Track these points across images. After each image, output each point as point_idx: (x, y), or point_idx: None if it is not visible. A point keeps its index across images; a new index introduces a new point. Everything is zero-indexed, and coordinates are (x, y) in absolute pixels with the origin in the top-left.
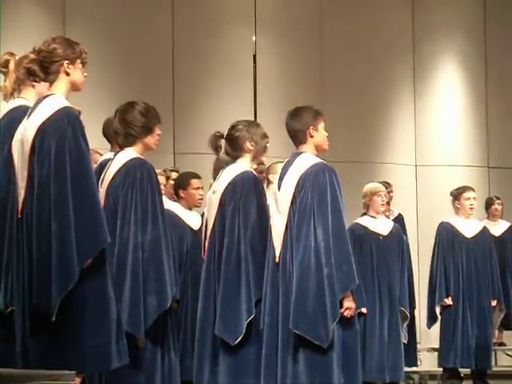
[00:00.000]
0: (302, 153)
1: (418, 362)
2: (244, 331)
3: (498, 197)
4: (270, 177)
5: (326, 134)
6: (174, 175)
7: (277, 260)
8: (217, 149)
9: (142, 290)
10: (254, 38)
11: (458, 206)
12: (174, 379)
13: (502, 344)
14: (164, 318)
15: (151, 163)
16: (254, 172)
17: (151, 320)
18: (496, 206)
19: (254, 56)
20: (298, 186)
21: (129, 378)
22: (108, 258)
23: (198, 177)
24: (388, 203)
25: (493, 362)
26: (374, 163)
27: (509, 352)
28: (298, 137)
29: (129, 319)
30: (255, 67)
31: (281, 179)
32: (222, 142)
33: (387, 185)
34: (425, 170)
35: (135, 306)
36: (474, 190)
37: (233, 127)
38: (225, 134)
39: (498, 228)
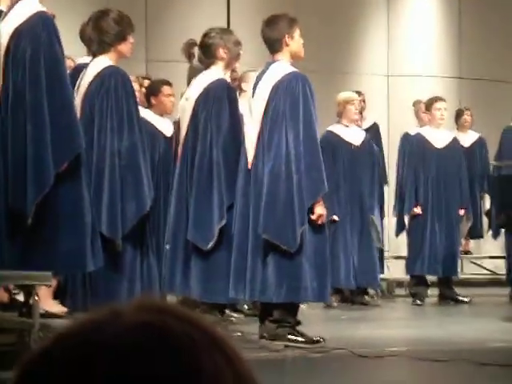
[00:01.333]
0: (277, 61)
1: (386, 270)
2: (216, 236)
3: (468, 108)
4: (243, 85)
5: (302, 42)
6: (147, 83)
7: (249, 167)
8: (190, 56)
9: (120, 196)
10: None
11: (429, 116)
12: (153, 283)
13: (468, 252)
14: (142, 223)
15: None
16: (227, 79)
17: (130, 225)
18: (466, 116)
19: None
20: (272, 94)
21: (111, 283)
22: (83, 163)
23: (169, 84)
24: (361, 112)
25: (459, 270)
26: (346, 73)
27: (474, 260)
28: (273, 45)
29: (107, 224)
30: None
31: (255, 87)
32: (196, 50)
33: (359, 94)
34: (396, 80)
35: (113, 211)
36: (444, 101)
37: (206, 34)
38: (198, 42)
39: (467, 139)
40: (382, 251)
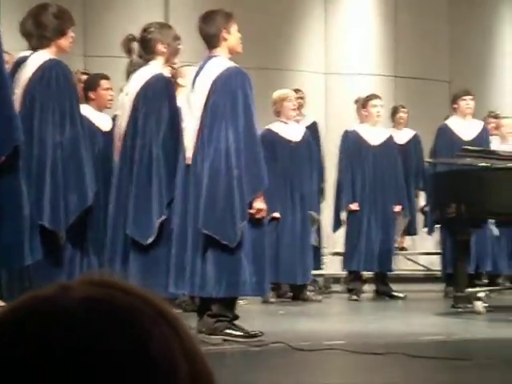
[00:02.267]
0: (215, 56)
1: (323, 266)
2: (156, 232)
3: (404, 106)
4: (179, 80)
5: (239, 36)
6: (85, 78)
7: (188, 162)
8: (129, 51)
9: (62, 188)
10: None
11: (365, 113)
12: None
13: (403, 249)
14: (83, 218)
15: None
16: (167, 74)
17: (73, 217)
18: (401, 114)
19: None
20: (211, 89)
21: (50, 276)
22: (21, 156)
23: (107, 77)
24: (299, 109)
25: (393, 266)
26: (284, 70)
27: (410, 256)
28: (211, 40)
29: (50, 216)
30: None
31: (193, 82)
32: (135, 45)
33: (298, 91)
34: (334, 77)
35: (56, 203)
36: (380, 98)
37: (145, 29)
38: (137, 37)
39: (402, 136)
40: (318, 247)
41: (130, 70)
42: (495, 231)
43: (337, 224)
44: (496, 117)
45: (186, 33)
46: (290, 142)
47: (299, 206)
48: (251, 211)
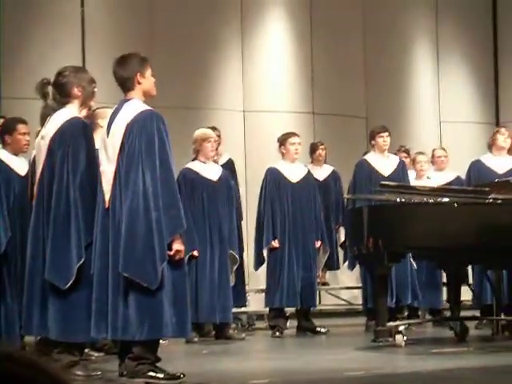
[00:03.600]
0: (130, 99)
1: (247, 303)
2: (75, 275)
3: (322, 142)
4: (100, 121)
5: (154, 80)
6: (1, 121)
7: (106, 205)
8: (44, 95)
9: None
10: None
11: (284, 150)
12: (12, 326)
13: (325, 284)
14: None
15: None
16: (83, 118)
17: None
18: (320, 151)
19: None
20: (126, 132)
21: None
22: None
23: (24, 122)
24: (216, 148)
25: (316, 301)
26: (203, 109)
27: (331, 291)
28: (125, 84)
29: None
30: (83, 11)
31: (109, 126)
32: (50, 89)
33: (214, 129)
34: (252, 115)
35: None
36: (298, 136)
37: (60, 73)
38: (52, 81)
39: (321, 172)
40: (243, 284)
41: (45, 114)
42: (413, 264)
43: (258, 261)
44: (406, 151)
45: (104, 74)
46: (208, 180)
47: (218, 245)
48: (170, 253)
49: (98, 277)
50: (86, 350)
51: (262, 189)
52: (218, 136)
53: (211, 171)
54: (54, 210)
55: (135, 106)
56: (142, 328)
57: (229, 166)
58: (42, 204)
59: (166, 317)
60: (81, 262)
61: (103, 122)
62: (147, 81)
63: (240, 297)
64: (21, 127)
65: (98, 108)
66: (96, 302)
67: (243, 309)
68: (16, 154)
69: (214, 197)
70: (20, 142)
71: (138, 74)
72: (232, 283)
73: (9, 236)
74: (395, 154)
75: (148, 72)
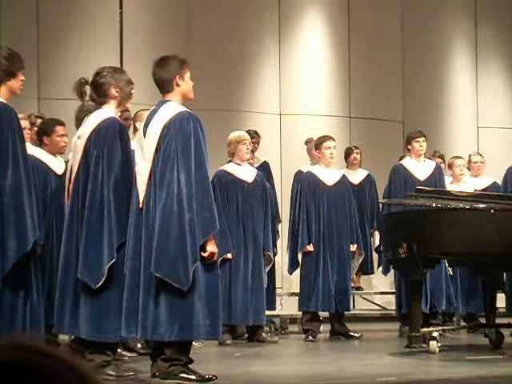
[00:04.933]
0: (167, 101)
1: (279, 307)
2: (105, 275)
3: (357, 146)
4: (137, 124)
5: (192, 84)
6: (39, 121)
7: (140, 206)
8: (81, 95)
9: (0, 234)
10: None
11: (319, 154)
12: (37, 323)
13: (359, 288)
14: (26, 262)
15: (15, 108)
16: (119, 118)
17: (11, 263)
18: (355, 155)
19: (121, 1)
20: (163, 133)
21: None
22: None
23: (62, 124)
24: (252, 151)
25: (351, 306)
26: (239, 111)
27: (365, 296)
28: (164, 86)
29: None
30: (121, 13)
31: (146, 126)
32: (87, 88)
33: (255, 134)
34: (288, 118)
35: None
36: (333, 139)
37: (97, 73)
38: (89, 80)
39: (356, 176)
40: (274, 287)
41: (80, 115)
42: (449, 270)
43: (293, 265)
44: (441, 157)
45: (142, 76)
46: (244, 182)
47: (252, 247)
48: (203, 254)
49: (129, 277)
50: (119, 350)
51: (296, 192)
52: (257, 142)
53: (246, 173)
54: (88, 210)
55: (172, 108)
56: (172, 329)
57: (264, 169)
58: (76, 203)
59: (198, 318)
60: (112, 262)
61: (141, 125)
62: (186, 83)
63: (270, 300)
64: (59, 129)
65: (139, 110)
66: (127, 301)
67: (277, 311)
68: (53, 154)
69: (248, 198)
70: (58, 144)
71: (177, 76)
72: (265, 285)
73: (37, 235)
74: (429, 159)
75: (187, 75)
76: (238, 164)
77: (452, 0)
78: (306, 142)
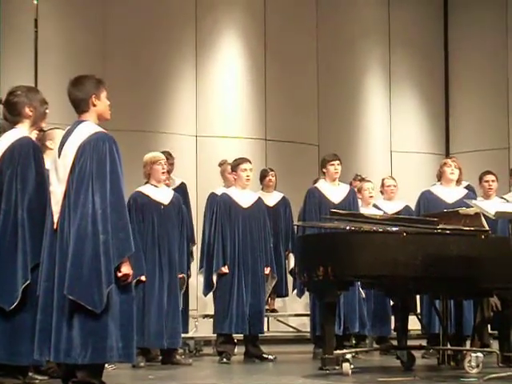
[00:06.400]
0: (83, 121)
1: (193, 329)
2: (19, 297)
3: (272, 169)
4: (48, 143)
5: (108, 103)
6: None
7: (55, 227)
8: None
9: None
10: (35, 2)
11: (235, 176)
12: None
13: (274, 311)
14: None
15: None
16: (33, 138)
17: None
18: (270, 177)
19: (36, 20)
20: (78, 153)
21: None
22: None
23: None
24: (168, 172)
25: (265, 328)
26: (155, 133)
27: (280, 318)
28: (80, 105)
29: None
30: (36, 31)
31: (61, 147)
32: (0, 108)
33: (169, 156)
34: (205, 140)
35: None
36: (250, 162)
37: (11, 92)
38: (3, 100)
39: (271, 199)
40: (187, 310)
41: None
42: (362, 293)
43: (208, 286)
44: (362, 180)
45: (57, 96)
46: (160, 204)
47: (168, 269)
48: (118, 275)
49: (43, 298)
50: (30, 374)
51: (212, 214)
52: (171, 163)
53: (162, 195)
54: (1, 230)
55: (88, 128)
56: (86, 352)
57: (181, 190)
58: None
59: (111, 341)
60: (26, 284)
61: (52, 144)
62: (102, 103)
63: (184, 323)
64: None
65: (49, 129)
66: (40, 323)
67: (191, 333)
68: None
69: (164, 220)
70: None
71: (93, 96)
72: (180, 307)
73: None
74: (351, 182)
75: (103, 94)
76: (155, 186)
77: (366, 24)
78: (220, 165)
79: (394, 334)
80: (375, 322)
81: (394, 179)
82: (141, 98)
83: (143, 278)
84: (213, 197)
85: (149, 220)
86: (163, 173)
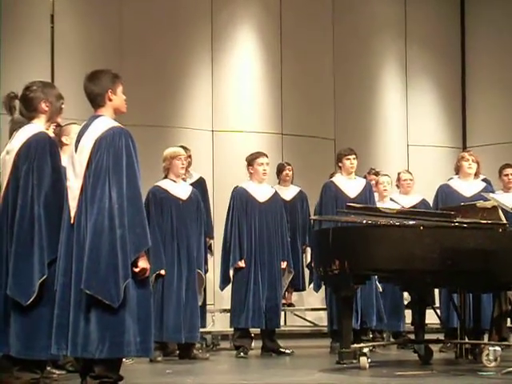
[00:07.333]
0: (99, 116)
1: (210, 323)
2: (36, 292)
3: (289, 163)
4: (64, 138)
5: (124, 98)
6: None
7: (72, 221)
8: (11, 109)
9: None
10: None
11: (252, 171)
12: None
13: (290, 305)
14: None
15: None
16: (49, 133)
17: None
18: (287, 171)
19: (52, 16)
20: (94, 148)
21: None
22: None
23: None
24: (187, 168)
25: (282, 322)
26: (172, 128)
27: (297, 312)
28: (96, 100)
29: None
30: (52, 27)
31: (78, 142)
32: (17, 103)
33: (186, 150)
34: (221, 135)
35: None
36: (267, 156)
37: (27, 88)
38: (19, 95)
39: (288, 193)
40: (204, 305)
41: (12, 128)
42: (379, 287)
43: (224, 281)
44: (376, 174)
45: (73, 91)
46: (178, 199)
47: (186, 264)
48: (135, 270)
49: (60, 293)
50: (48, 368)
51: (229, 208)
52: (189, 156)
53: (181, 190)
54: (18, 226)
55: (104, 123)
56: (103, 346)
57: (200, 185)
58: (5, 219)
59: (129, 335)
60: (43, 279)
61: (68, 139)
62: (118, 98)
63: (201, 317)
64: None
65: (65, 124)
66: (57, 318)
67: (208, 328)
68: None
69: (182, 215)
70: None
71: (110, 90)
72: (200, 303)
73: None
74: (365, 176)
75: (119, 89)
76: (173, 180)
77: (383, 20)
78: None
79: (411, 327)
80: (389, 316)
81: (410, 173)
82: (157, 93)
83: (163, 271)
84: (235, 191)
85: (167, 214)
86: (182, 168)
